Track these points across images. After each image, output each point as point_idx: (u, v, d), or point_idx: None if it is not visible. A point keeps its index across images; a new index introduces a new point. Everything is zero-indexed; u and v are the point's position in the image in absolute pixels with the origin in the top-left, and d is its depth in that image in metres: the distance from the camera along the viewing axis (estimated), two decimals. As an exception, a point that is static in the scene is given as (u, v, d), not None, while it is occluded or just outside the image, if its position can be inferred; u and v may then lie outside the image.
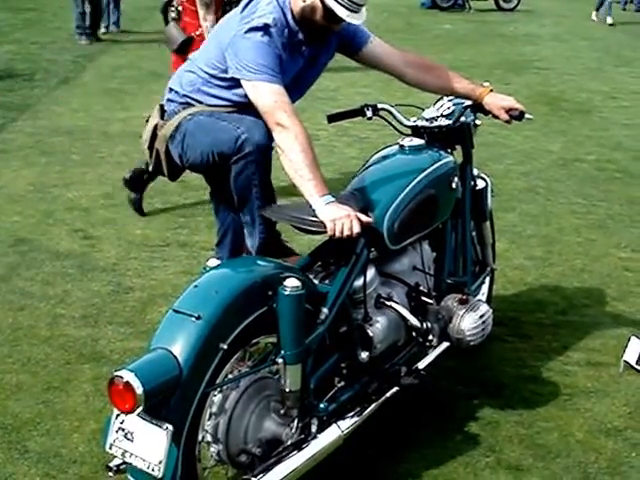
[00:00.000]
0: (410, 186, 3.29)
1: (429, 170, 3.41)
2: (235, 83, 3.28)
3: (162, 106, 3.60)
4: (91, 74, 10.60)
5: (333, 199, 3.00)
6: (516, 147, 7.85)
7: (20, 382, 3.75)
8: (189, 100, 3.48)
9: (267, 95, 3.14)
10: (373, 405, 3.16)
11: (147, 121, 3.63)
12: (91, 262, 5.07)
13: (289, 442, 2.85)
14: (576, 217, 6.10)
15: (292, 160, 3.02)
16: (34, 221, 5.70)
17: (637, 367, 3.92)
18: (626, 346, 3.98)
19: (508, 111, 3.59)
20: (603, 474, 3.24)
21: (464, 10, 18.05)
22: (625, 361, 3.95)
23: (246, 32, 3.20)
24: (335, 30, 3.37)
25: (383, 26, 15.20)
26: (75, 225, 5.66)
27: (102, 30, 12.91)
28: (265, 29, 3.19)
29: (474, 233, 4.00)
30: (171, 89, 3.55)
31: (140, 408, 2.46)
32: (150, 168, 3.68)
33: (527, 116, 3.63)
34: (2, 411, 3.54)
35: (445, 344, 3.51)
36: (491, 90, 3.63)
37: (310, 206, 3.00)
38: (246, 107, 3.26)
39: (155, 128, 3.55)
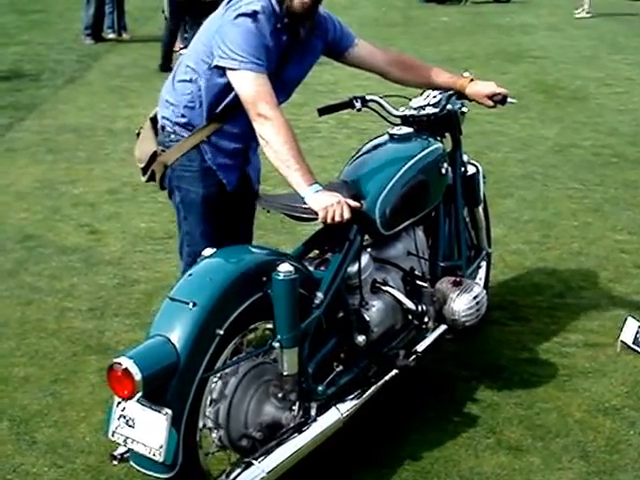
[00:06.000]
0: (400, 173, 3.34)
1: (418, 156, 3.45)
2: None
3: (153, 120, 3.49)
4: (96, 73, 10.63)
5: (321, 187, 3.01)
6: (513, 135, 7.86)
7: (28, 374, 3.81)
8: (185, 121, 3.34)
9: (249, 85, 3.08)
10: (372, 388, 3.21)
11: (138, 134, 3.56)
12: (97, 256, 5.12)
13: (289, 425, 2.89)
14: (572, 201, 6.12)
15: (277, 151, 3.01)
16: (41, 217, 5.76)
17: (634, 347, 3.95)
18: (622, 327, 4.02)
19: (492, 97, 3.62)
20: (602, 452, 3.28)
21: (460, 3, 17.98)
22: (622, 341, 3.99)
23: (235, 18, 3.13)
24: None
25: (382, 20, 15.21)
26: (81, 220, 5.71)
27: (107, 32, 12.93)
28: (254, 15, 3.13)
29: (468, 219, 4.05)
30: (167, 101, 3.40)
31: (139, 394, 2.51)
32: (144, 179, 3.58)
33: (510, 100, 3.65)
34: (10, 403, 3.59)
35: (442, 327, 3.56)
36: (472, 80, 3.64)
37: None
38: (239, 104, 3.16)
39: (154, 154, 3.45)
